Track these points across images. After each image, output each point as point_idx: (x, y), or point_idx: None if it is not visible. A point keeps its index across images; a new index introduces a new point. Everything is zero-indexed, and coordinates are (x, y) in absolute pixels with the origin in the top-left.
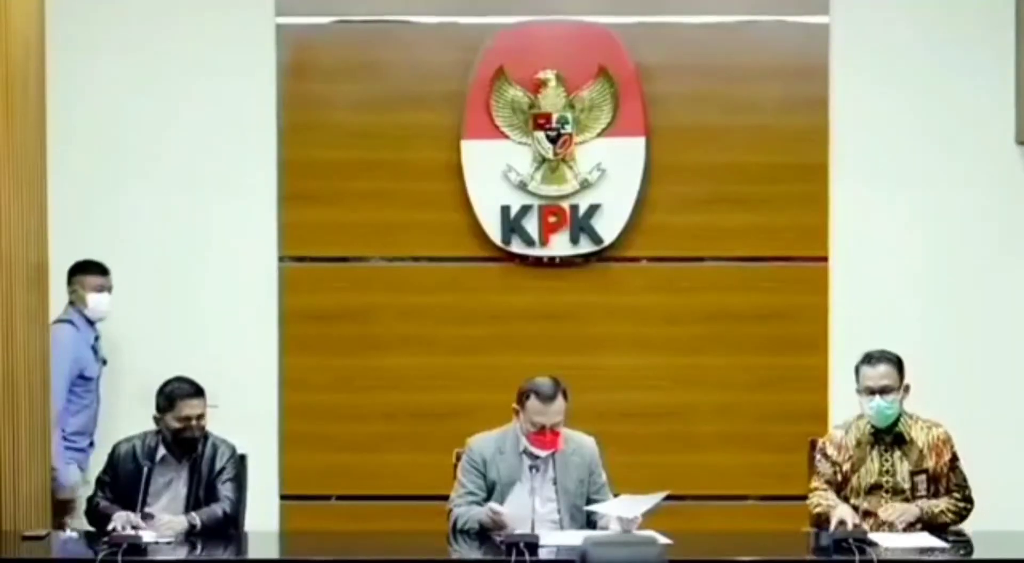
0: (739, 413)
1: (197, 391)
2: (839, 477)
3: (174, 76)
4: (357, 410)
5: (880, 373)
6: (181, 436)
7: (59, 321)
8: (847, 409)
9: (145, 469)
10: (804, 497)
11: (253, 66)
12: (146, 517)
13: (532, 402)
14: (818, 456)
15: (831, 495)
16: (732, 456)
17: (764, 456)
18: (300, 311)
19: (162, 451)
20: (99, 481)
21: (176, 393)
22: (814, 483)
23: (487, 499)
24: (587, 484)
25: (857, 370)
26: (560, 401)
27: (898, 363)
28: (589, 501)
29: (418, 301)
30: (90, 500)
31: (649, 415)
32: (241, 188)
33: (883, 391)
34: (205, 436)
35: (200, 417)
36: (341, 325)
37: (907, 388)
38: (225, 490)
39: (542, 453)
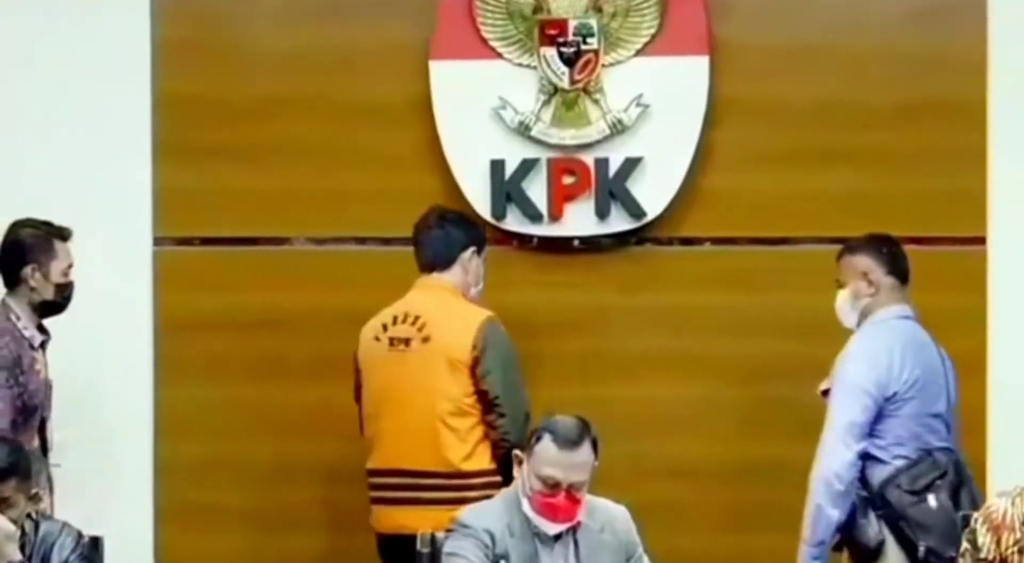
0: None
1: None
2: None
3: None
4: (265, 467)
5: None
6: None
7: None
8: (1011, 461)
9: None
10: None
11: None
12: None
13: (545, 446)
14: (964, 544)
15: None
16: None
17: None
18: (183, 319)
19: None
20: None
21: None
22: None
23: None
24: None
25: None
26: (586, 451)
27: None
28: None
29: (366, 303)
30: None
31: (713, 474)
32: (95, 137)
33: None
34: (36, 524)
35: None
36: (246, 339)
37: None
38: None
39: (551, 528)
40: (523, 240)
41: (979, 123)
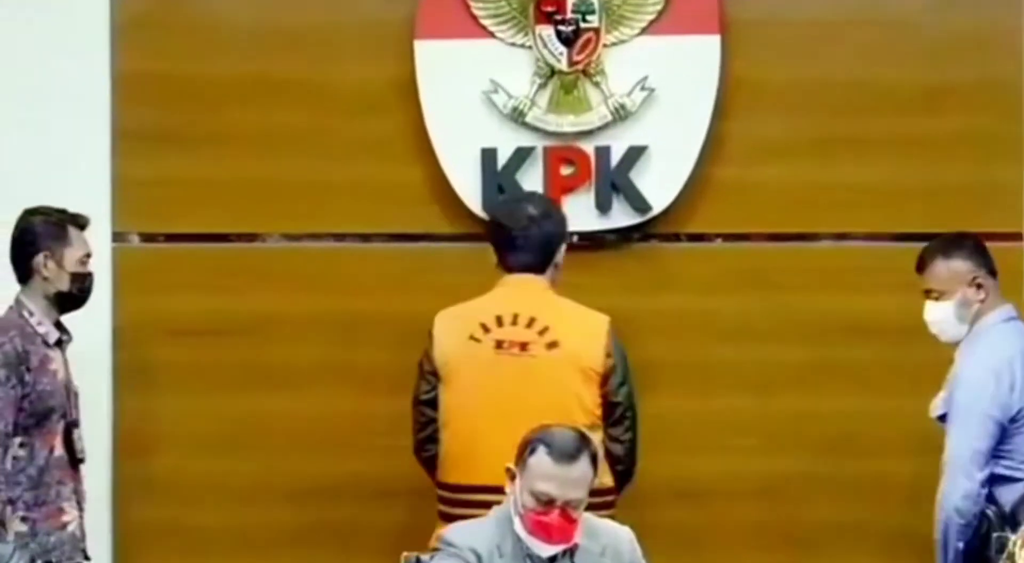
0: (883, 486)
1: None
2: None
3: None
4: (239, 485)
5: None
6: None
7: None
8: None
9: None
10: None
11: None
12: None
13: (540, 459)
14: None
15: None
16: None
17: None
18: (146, 322)
19: None
20: None
21: None
22: None
23: None
24: None
25: None
26: (584, 465)
27: None
28: None
29: (345, 304)
30: None
31: (724, 492)
32: (49, 122)
33: None
34: None
35: None
36: (215, 345)
37: None
38: None
39: (544, 550)
40: None
41: (1015, 109)
